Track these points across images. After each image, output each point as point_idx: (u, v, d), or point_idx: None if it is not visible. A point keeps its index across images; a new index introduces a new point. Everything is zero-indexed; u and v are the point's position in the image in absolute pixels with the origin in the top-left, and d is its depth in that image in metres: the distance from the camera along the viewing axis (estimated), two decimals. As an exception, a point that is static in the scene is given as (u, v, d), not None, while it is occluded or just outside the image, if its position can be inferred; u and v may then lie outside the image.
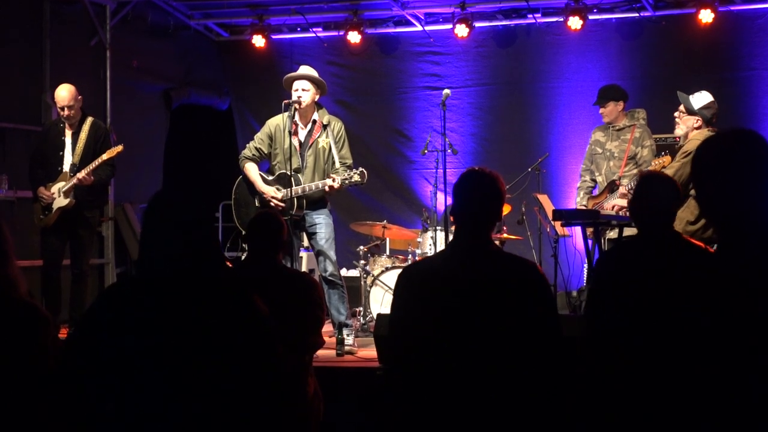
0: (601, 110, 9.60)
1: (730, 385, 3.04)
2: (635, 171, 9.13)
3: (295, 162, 8.65)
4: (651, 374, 4.41)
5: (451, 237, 9.82)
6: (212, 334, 3.35)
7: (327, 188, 8.53)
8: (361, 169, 8.51)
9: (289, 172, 8.60)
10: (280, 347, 3.48)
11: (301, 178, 8.66)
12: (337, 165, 8.72)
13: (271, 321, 3.48)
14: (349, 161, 8.79)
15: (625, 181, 9.05)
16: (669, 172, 7.61)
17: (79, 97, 9.21)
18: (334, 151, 8.76)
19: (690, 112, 8.07)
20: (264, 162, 9.15)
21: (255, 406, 3.38)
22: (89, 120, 9.29)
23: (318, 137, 8.81)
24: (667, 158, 8.37)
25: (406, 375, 4.18)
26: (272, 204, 8.78)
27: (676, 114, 8.16)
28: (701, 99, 8.06)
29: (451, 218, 10.59)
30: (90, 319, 3.51)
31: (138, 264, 3.53)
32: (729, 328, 3.05)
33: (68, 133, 9.23)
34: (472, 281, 4.07)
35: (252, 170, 9.03)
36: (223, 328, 3.37)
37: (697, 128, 8.04)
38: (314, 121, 8.85)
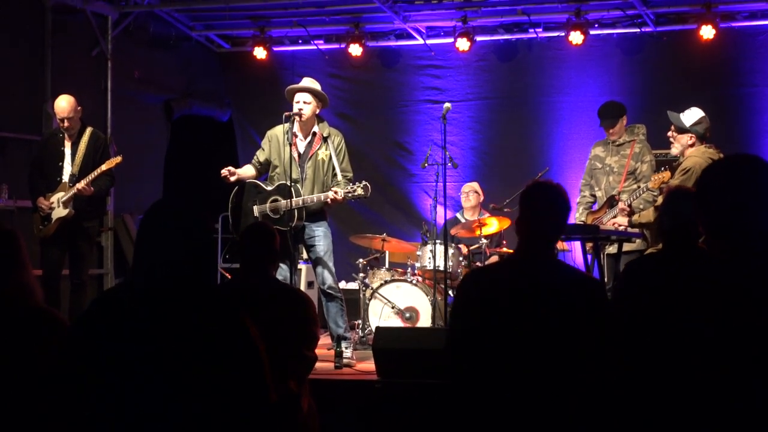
0: (611, 131, 9.53)
1: (738, 397, 3.05)
2: (634, 186, 9.13)
3: (295, 173, 8.65)
4: (665, 387, 4.40)
5: (450, 251, 9.83)
6: (203, 344, 3.34)
7: (329, 200, 8.53)
8: (364, 183, 8.51)
9: (288, 183, 8.61)
10: (266, 362, 3.47)
11: (300, 189, 8.66)
12: (339, 178, 8.73)
13: (256, 335, 3.47)
14: (350, 174, 8.81)
15: (624, 197, 9.05)
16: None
17: (79, 108, 9.22)
18: (336, 164, 8.76)
19: (681, 130, 8.10)
20: (265, 174, 9.18)
21: (240, 419, 3.37)
22: (89, 130, 9.30)
23: (318, 149, 8.82)
24: (667, 174, 8.37)
25: (463, 384, 4.18)
26: (222, 174, 8.98)
27: (669, 134, 8.20)
28: (692, 116, 8.10)
29: (458, 230, 10.58)
30: (84, 324, 3.50)
31: (133, 271, 3.51)
32: (733, 340, 3.06)
33: (68, 144, 9.24)
34: (534, 293, 4.09)
35: (244, 167, 9.15)
36: (214, 339, 3.36)
37: (692, 145, 8.07)
38: (314, 133, 8.86)
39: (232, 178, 8.93)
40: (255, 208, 8.96)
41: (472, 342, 4.17)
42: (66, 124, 9.14)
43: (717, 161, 3.44)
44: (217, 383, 3.33)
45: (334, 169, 8.80)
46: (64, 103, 9.15)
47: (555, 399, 4.00)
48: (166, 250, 3.46)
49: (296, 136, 8.82)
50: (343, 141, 8.95)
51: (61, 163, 9.20)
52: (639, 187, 8.93)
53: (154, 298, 3.41)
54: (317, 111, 8.89)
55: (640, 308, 4.62)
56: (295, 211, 8.59)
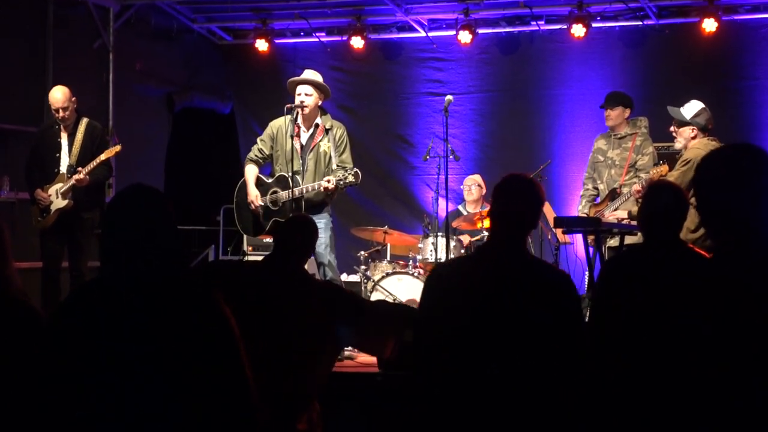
0: (608, 112, 9.54)
1: (733, 393, 3.04)
2: (636, 179, 9.12)
3: (296, 165, 8.64)
4: (653, 382, 4.40)
5: (452, 243, 9.83)
6: (175, 336, 3.34)
7: (323, 189, 8.52)
8: (355, 169, 8.51)
9: (287, 174, 8.61)
10: (242, 350, 3.47)
11: (300, 181, 8.65)
12: (334, 167, 8.71)
13: (232, 323, 3.47)
14: (350, 166, 8.76)
15: (625, 190, 9.04)
16: (670, 179, 7.62)
17: (74, 98, 9.21)
18: (333, 155, 8.74)
19: (682, 123, 8.13)
20: (267, 165, 9.15)
21: (217, 412, 3.37)
22: (84, 121, 9.29)
23: (320, 141, 8.80)
24: (665, 167, 8.38)
25: (428, 377, 4.17)
26: (251, 208, 8.90)
27: (671, 129, 8.22)
28: (692, 108, 8.12)
29: (459, 222, 10.58)
30: (60, 317, 3.51)
31: (103, 266, 3.53)
32: (731, 336, 3.05)
33: (64, 135, 9.23)
34: (501, 286, 4.07)
35: (249, 172, 9.06)
36: (185, 330, 3.36)
37: (694, 137, 8.08)
38: (317, 125, 8.84)
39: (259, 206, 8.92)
40: (252, 202, 8.95)
41: (437, 336, 4.16)
42: (62, 114, 9.12)
43: (714, 151, 3.39)
44: (194, 369, 3.34)
45: (331, 159, 8.77)
46: (59, 94, 9.15)
47: (520, 395, 3.98)
48: (131, 240, 3.47)
49: (299, 128, 8.81)
50: (345, 133, 8.93)
51: (58, 155, 9.19)
52: (640, 178, 8.92)
53: (127, 288, 3.43)
54: (319, 103, 8.88)
55: (621, 302, 4.64)
56: (294, 202, 8.57)
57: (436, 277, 4.37)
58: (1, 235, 4.01)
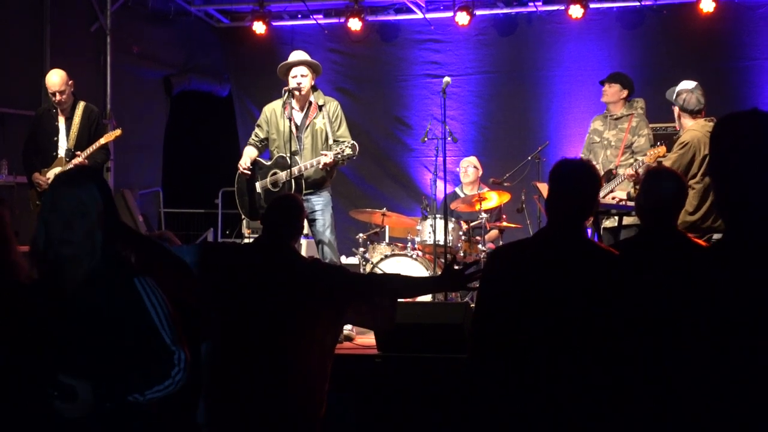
0: (605, 88, 9.56)
1: (730, 381, 3.05)
2: (632, 160, 9.13)
3: (293, 145, 8.63)
4: (653, 368, 4.42)
5: (450, 225, 9.84)
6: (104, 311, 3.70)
7: (322, 166, 8.51)
8: (352, 142, 8.50)
9: (286, 155, 8.62)
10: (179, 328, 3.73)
11: (299, 161, 8.65)
12: (331, 142, 8.70)
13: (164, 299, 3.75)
14: (348, 140, 8.71)
15: (621, 171, 9.05)
16: (666, 163, 7.63)
17: (71, 81, 9.21)
18: (329, 131, 8.71)
19: (672, 104, 8.19)
20: (267, 151, 9.16)
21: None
22: (81, 104, 9.30)
23: (314, 118, 8.79)
24: (662, 148, 8.39)
25: (486, 362, 4.17)
26: (240, 170, 8.94)
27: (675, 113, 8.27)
28: (676, 88, 8.15)
29: (458, 204, 10.58)
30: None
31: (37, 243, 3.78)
32: (731, 327, 3.05)
33: (61, 119, 9.24)
34: (561, 269, 4.07)
35: (247, 150, 9.09)
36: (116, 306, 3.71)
37: (678, 117, 8.13)
38: (310, 103, 8.83)
39: (248, 170, 8.92)
40: (257, 184, 8.97)
41: (496, 319, 4.16)
42: (58, 98, 9.13)
43: (725, 120, 3.36)
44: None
45: (327, 136, 8.75)
46: (56, 78, 9.15)
47: (578, 383, 3.98)
48: (63, 224, 3.73)
49: (293, 109, 8.79)
50: (339, 108, 8.89)
51: (56, 138, 9.20)
52: (636, 160, 8.92)
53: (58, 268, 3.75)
54: (312, 82, 8.87)
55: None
56: (293, 181, 8.57)
57: (496, 261, 4.37)
58: (1, 221, 4.04)
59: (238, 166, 8.93)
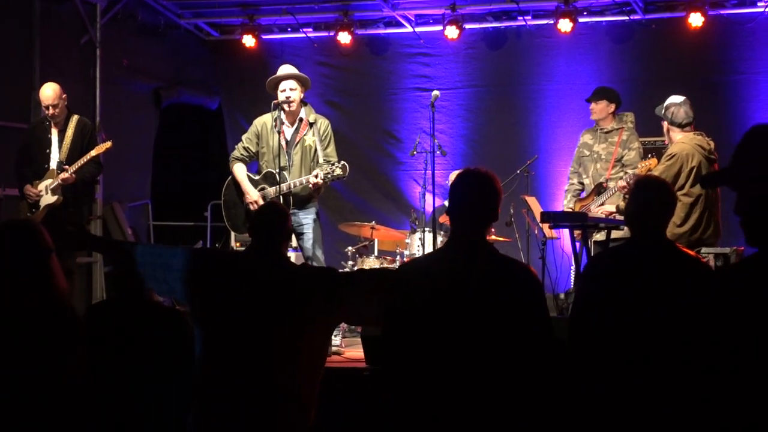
0: (592, 106, 9.61)
1: (720, 391, 3.06)
2: (622, 174, 9.15)
3: (283, 160, 8.63)
4: (637, 377, 4.43)
5: (439, 239, 9.84)
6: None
7: (311, 185, 8.51)
8: (342, 162, 8.49)
9: (275, 170, 8.61)
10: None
11: (287, 177, 8.64)
12: (320, 161, 8.70)
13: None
14: (335, 159, 8.72)
15: (611, 184, 9.06)
16: (655, 174, 7.65)
17: (64, 95, 9.22)
18: (319, 149, 8.72)
19: (661, 118, 8.24)
20: (254, 162, 9.13)
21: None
22: (75, 118, 9.30)
23: (304, 135, 8.79)
24: (653, 161, 8.41)
25: (397, 375, 4.17)
26: (251, 208, 8.77)
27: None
28: (665, 103, 8.20)
29: (446, 218, 10.61)
30: None
31: None
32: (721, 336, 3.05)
33: (54, 131, 9.25)
34: (464, 282, 4.05)
35: (239, 171, 9.00)
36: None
37: (667, 131, 8.18)
38: (301, 119, 8.83)
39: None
40: (244, 199, 8.94)
41: (405, 331, 4.15)
42: (52, 111, 9.13)
43: (755, 130, 3.23)
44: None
45: (317, 153, 8.75)
46: (49, 91, 9.15)
47: (483, 387, 3.98)
48: None
49: (283, 124, 8.78)
50: (329, 127, 8.90)
51: (48, 151, 9.19)
52: (626, 173, 8.93)
53: None
54: (302, 96, 8.87)
55: (606, 299, 4.65)
56: (281, 198, 8.56)
57: (402, 276, 4.37)
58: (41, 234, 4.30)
59: (251, 203, 8.82)
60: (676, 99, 8.20)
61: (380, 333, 4.29)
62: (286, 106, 8.70)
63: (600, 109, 9.56)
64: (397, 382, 4.16)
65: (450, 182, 4.31)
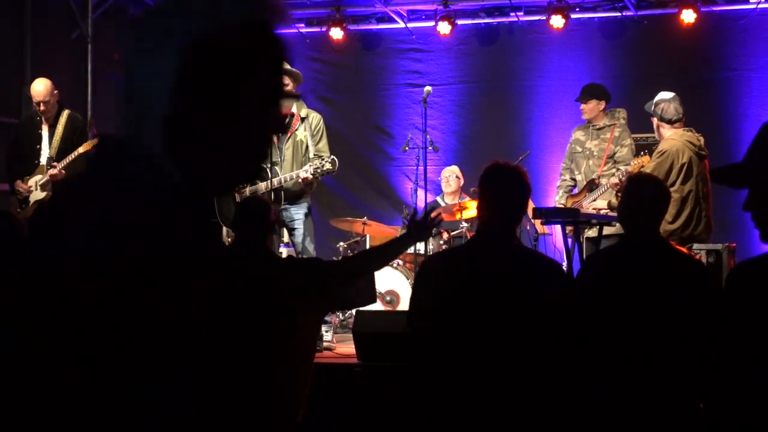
0: (582, 106, 9.62)
1: (717, 388, 3.05)
2: (614, 170, 9.15)
3: (274, 155, 8.62)
4: (634, 374, 4.42)
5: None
6: None
7: (301, 180, 8.49)
8: (332, 157, 8.48)
9: (266, 165, 8.59)
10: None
11: (279, 171, 8.63)
12: (311, 156, 8.68)
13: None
14: (326, 154, 8.71)
15: (604, 181, 9.07)
16: (646, 171, 7.65)
17: (55, 91, 9.20)
18: (310, 144, 8.70)
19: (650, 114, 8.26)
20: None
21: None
22: (66, 113, 9.28)
23: (296, 130, 8.77)
24: (646, 158, 8.41)
25: (425, 370, 4.16)
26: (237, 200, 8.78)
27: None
28: (654, 99, 8.20)
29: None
30: None
31: None
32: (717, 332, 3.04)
33: (45, 127, 9.23)
34: (495, 276, 4.07)
35: None
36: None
37: (657, 128, 8.19)
38: (292, 114, 8.81)
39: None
40: (236, 194, 8.93)
41: (433, 327, 4.15)
42: (42, 107, 9.11)
43: None
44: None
45: (308, 148, 8.73)
46: (40, 87, 9.13)
47: (510, 382, 3.98)
48: None
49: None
50: (321, 122, 8.89)
51: (38, 146, 9.17)
52: (618, 170, 8.93)
53: None
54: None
55: (602, 299, 4.65)
56: (272, 193, 8.55)
57: (428, 269, 4.36)
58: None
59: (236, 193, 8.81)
60: (665, 95, 8.20)
61: (402, 330, 4.28)
62: (278, 101, 8.67)
63: (590, 108, 9.56)
64: (424, 377, 4.16)
65: (482, 176, 4.28)
